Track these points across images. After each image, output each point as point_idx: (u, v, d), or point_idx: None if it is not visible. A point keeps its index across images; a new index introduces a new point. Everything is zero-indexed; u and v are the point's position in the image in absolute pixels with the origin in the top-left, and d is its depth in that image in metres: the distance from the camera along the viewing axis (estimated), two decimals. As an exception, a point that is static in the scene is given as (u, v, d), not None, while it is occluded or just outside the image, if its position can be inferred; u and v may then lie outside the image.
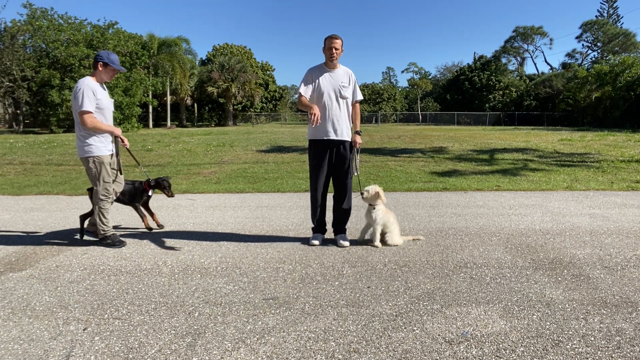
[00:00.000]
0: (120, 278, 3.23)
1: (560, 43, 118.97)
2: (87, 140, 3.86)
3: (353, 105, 4.15)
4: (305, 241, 4.16)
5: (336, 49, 3.91)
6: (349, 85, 4.05)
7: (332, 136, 3.98)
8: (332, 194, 4.20)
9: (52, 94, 23.82)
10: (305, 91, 3.98)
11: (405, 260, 3.61)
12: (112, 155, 4.07)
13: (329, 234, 4.32)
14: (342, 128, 4.00)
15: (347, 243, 4.03)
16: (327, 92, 3.96)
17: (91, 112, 3.78)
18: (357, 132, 4.11)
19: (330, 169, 4.07)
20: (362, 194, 3.97)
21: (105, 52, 3.96)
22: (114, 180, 4.11)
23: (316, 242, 4.08)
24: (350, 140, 4.08)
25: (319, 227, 4.20)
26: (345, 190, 4.09)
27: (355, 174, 4.12)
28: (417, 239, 4.22)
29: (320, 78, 3.98)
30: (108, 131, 3.94)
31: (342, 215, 4.15)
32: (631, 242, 4.07)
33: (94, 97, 3.79)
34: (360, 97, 4.17)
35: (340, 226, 4.18)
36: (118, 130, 4.03)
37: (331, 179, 4.15)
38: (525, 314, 2.60)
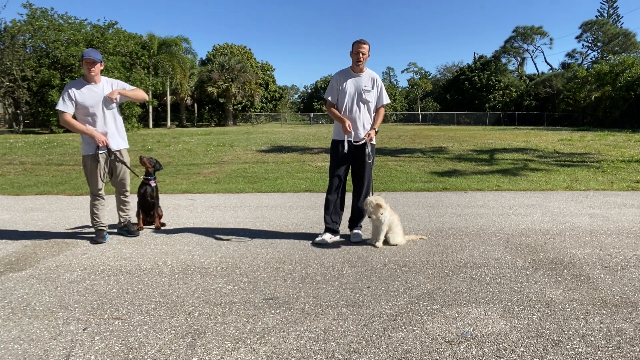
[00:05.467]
0: (120, 278, 3.23)
1: (560, 43, 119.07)
2: (81, 140, 4.10)
3: (378, 108, 4.25)
4: (306, 241, 4.17)
5: (363, 54, 4.03)
6: (373, 89, 4.16)
7: (351, 138, 4.12)
8: (351, 192, 4.33)
9: (52, 94, 23.80)
10: (332, 96, 4.17)
11: (405, 260, 3.61)
12: (100, 155, 4.05)
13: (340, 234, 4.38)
14: (361, 131, 4.13)
15: (362, 234, 4.22)
16: (349, 95, 4.11)
17: (65, 112, 3.95)
18: (372, 128, 4.16)
19: (348, 169, 4.24)
20: (380, 214, 3.88)
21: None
22: (106, 182, 4.21)
23: (319, 239, 4.09)
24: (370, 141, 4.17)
25: (330, 226, 4.21)
26: (362, 188, 4.22)
27: (369, 161, 4.14)
28: (422, 238, 4.24)
29: (344, 82, 4.13)
30: (81, 131, 3.99)
31: (359, 211, 4.27)
32: (631, 242, 4.07)
33: (69, 98, 3.95)
34: (386, 101, 4.25)
35: (355, 222, 4.33)
36: (96, 133, 3.98)
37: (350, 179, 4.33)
38: (525, 314, 2.60)
